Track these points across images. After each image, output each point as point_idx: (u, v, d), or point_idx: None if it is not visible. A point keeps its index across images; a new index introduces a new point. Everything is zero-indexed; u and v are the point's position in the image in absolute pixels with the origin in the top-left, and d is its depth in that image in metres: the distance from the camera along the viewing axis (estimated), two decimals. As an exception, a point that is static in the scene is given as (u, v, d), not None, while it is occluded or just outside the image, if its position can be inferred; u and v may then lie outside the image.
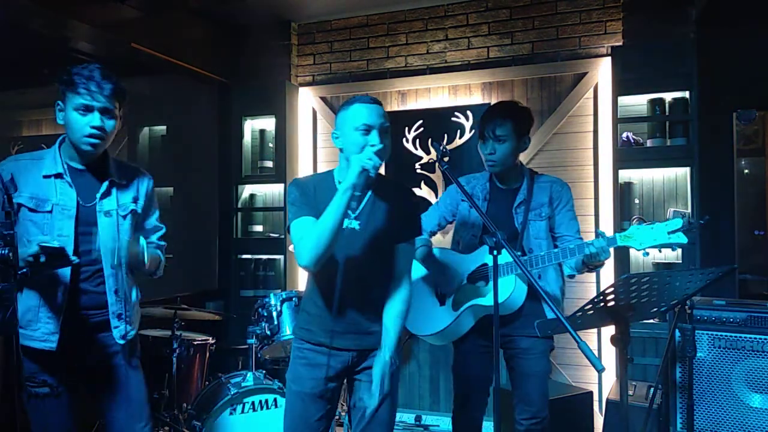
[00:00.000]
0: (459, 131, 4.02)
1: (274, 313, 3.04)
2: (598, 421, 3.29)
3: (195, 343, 3.39)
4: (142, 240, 2.06)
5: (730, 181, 3.30)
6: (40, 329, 1.91)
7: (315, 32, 4.49)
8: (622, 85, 3.56)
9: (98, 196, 2.00)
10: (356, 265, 1.94)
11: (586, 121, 3.83)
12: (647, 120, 3.62)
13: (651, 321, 3.30)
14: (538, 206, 2.39)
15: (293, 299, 3.07)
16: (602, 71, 3.75)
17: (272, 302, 3.07)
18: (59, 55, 3.70)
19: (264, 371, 3.15)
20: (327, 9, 4.27)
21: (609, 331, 1.83)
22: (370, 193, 1.99)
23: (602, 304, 1.72)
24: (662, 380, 2.66)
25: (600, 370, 1.58)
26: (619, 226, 3.54)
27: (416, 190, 4.06)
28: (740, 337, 2.54)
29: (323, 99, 4.45)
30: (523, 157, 2.50)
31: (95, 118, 1.92)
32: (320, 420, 2.00)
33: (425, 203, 3.84)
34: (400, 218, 2.03)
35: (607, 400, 2.99)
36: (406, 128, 4.13)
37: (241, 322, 3.71)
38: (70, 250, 1.88)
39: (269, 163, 4.40)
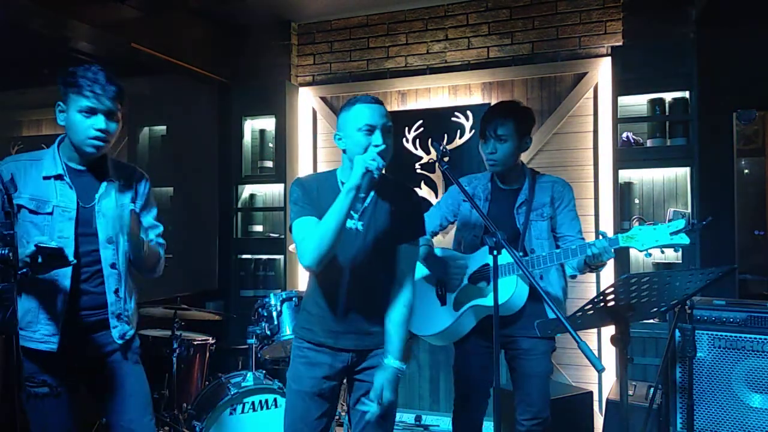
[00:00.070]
0: (459, 131, 4.02)
1: (274, 313, 3.04)
2: (598, 421, 3.29)
3: (195, 343, 3.39)
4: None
5: (730, 181, 3.30)
6: (39, 330, 1.91)
7: (315, 32, 4.49)
8: (622, 85, 3.56)
9: (97, 197, 2.00)
10: (359, 266, 1.94)
11: (586, 121, 3.83)
12: (647, 120, 3.62)
13: (651, 321, 3.30)
14: (539, 206, 2.39)
15: (293, 299, 3.07)
16: (602, 71, 3.75)
17: (272, 302, 3.07)
18: (59, 55, 3.70)
19: (264, 371, 3.15)
20: (327, 9, 4.27)
21: (609, 331, 1.83)
22: (373, 193, 1.99)
23: (602, 304, 1.72)
24: (662, 380, 2.66)
25: (600, 370, 1.58)
26: (619, 226, 3.54)
27: (416, 190, 4.05)
28: (740, 337, 2.54)
29: (323, 99, 4.45)
30: (523, 157, 2.50)
31: (100, 121, 1.92)
32: (320, 418, 2.00)
33: (426, 203, 3.84)
34: (402, 219, 2.02)
35: (607, 400, 2.99)
36: (406, 128, 4.13)
37: (241, 322, 3.70)
38: (70, 251, 1.89)
39: (269, 163, 4.40)
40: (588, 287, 3.73)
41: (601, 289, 1.89)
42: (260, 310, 3.10)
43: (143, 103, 4.56)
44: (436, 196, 4.07)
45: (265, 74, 4.48)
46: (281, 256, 4.35)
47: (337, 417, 3.23)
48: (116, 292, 2.01)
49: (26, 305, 1.90)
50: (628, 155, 3.57)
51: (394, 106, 4.23)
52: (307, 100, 4.48)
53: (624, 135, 3.60)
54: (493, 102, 3.88)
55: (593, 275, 3.70)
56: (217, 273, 4.56)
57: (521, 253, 2.34)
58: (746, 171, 4.45)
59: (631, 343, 1.85)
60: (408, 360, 4.04)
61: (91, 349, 2.01)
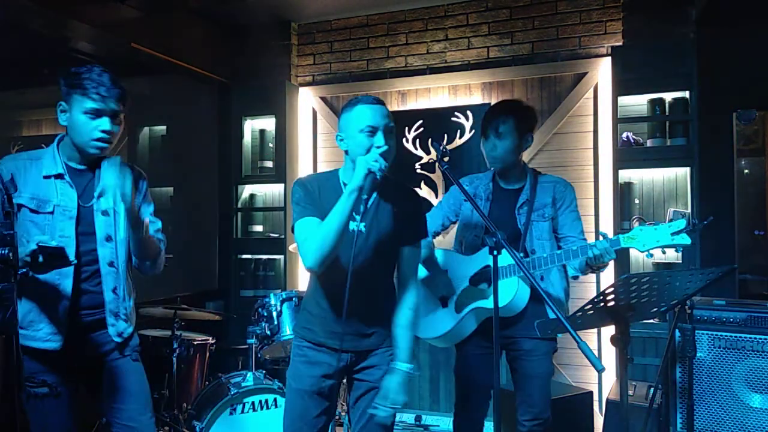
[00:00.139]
0: (459, 131, 4.02)
1: (274, 313, 3.04)
2: (598, 421, 3.29)
3: (195, 343, 3.39)
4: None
5: (730, 181, 3.30)
6: (42, 329, 1.91)
7: (315, 32, 4.49)
8: (622, 85, 3.56)
9: (96, 194, 2.00)
10: (361, 267, 1.93)
11: (586, 121, 3.83)
12: (647, 120, 3.62)
13: (651, 321, 3.30)
14: (541, 207, 2.38)
15: (293, 299, 3.07)
16: (602, 71, 3.75)
17: (272, 302, 3.07)
18: (59, 55, 3.70)
19: (264, 371, 3.15)
20: (327, 9, 4.27)
21: (609, 331, 1.83)
22: (375, 194, 1.98)
23: (602, 304, 1.72)
24: (662, 380, 2.66)
25: (600, 370, 1.58)
26: (619, 226, 3.54)
27: (416, 190, 4.05)
28: (740, 337, 2.54)
29: (323, 99, 4.45)
30: (523, 157, 2.50)
31: (105, 123, 1.93)
32: (319, 417, 2.01)
33: (426, 204, 3.84)
34: (405, 221, 2.03)
35: (607, 400, 2.99)
36: (406, 128, 4.13)
37: (241, 322, 3.70)
38: (71, 251, 1.89)
39: (269, 163, 4.40)
40: (588, 287, 3.73)
41: (601, 289, 1.89)
42: (260, 310, 3.10)
43: (143, 103, 4.56)
44: (437, 196, 4.07)
45: (265, 74, 4.48)
46: (281, 256, 4.35)
47: (336, 417, 3.23)
48: (114, 290, 2.01)
49: (28, 305, 1.90)
50: (628, 155, 3.57)
51: (394, 106, 4.23)
52: (307, 100, 4.48)
53: (624, 135, 3.60)
54: (493, 102, 3.88)
55: (593, 275, 3.70)
56: (217, 273, 4.56)
57: (522, 254, 2.33)
58: (746, 171, 4.45)
59: (631, 343, 1.85)
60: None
61: (91, 348, 2.01)
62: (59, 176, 1.97)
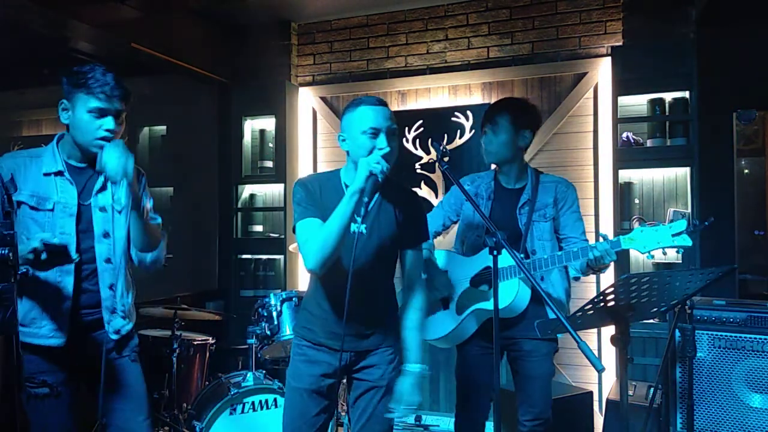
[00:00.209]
0: (459, 131, 4.02)
1: (274, 313, 3.04)
2: (598, 421, 3.29)
3: (195, 343, 3.39)
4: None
5: (730, 181, 3.30)
6: (45, 326, 1.91)
7: (315, 32, 4.49)
8: (622, 85, 3.56)
9: (94, 191, 2.00)
10: (362, 269, 1.93)
11: (586, 121, 3.83)
12: (647, 120, 3.62)
13: (651, 321, 3.30)
14: (542, 207, 2.38)
15: (293, 299, 3.07)
16: (602, 71, 3.75)
17: (272, 302, 3.07)
18: (59, 55, 3.70)
19: (264, 371, 3.15)
20: (327, 9, 4.27)
21: (609, 331, 1.82)
22: (377, 196, 1.97)
23: (602, 304, 1.72)
24: (662, 380, 2.66)
25: (600, 370, 1.58)
26: (619, 226, 3.54)
27: (416, 190, 4.06)
28: (740, 337, 2.54)
29: (323, 99, 4.45)
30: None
31: (109, 122, 1.93)
32: (318, 415, 2.01)
33: (426, 204, 3.84)
34: (407, 223, 2.03)
35: (607, 400, 2.99)
36: (406, 128, 4.13)
37: (241, 322, 3.70)
38: (72, 248, 1.88)
39: (269, 163, 4.40)
40: (588, 287, 3.73)
41: (601, 289, 1.89)
42: (260, 310, 3.10)
43: (143, 103, 4.55)
44: (436, 196, 4.07)
45: (265, 74, 4.48)
46: (281, 256, 4.35)
47: (336, 417, 3.23)
48: (111, 287, 2.00)
49: (30, 302, 1.90)
50: (628, 155, 3.57)
51: (394, 106, 4.23)
52: (307, 100, 4.48)
53: (624, 135, 3.60)
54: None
55: (594, 275, 3.70)
56: (217, 273, 4.56)
57: (522, 255, 2.33)
58: (746, 171, 4.45)
59: (631, 343, 1.85)
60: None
61: (92, 348, 2.00)
62: (59, 173, 1.97)
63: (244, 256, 4.47)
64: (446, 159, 2.05)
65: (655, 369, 3.23)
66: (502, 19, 4.03)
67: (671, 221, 2.10)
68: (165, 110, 4.66)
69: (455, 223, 2.61)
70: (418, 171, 4.14)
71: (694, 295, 1.99)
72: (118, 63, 3.59)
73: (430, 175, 4.12)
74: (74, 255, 1.82)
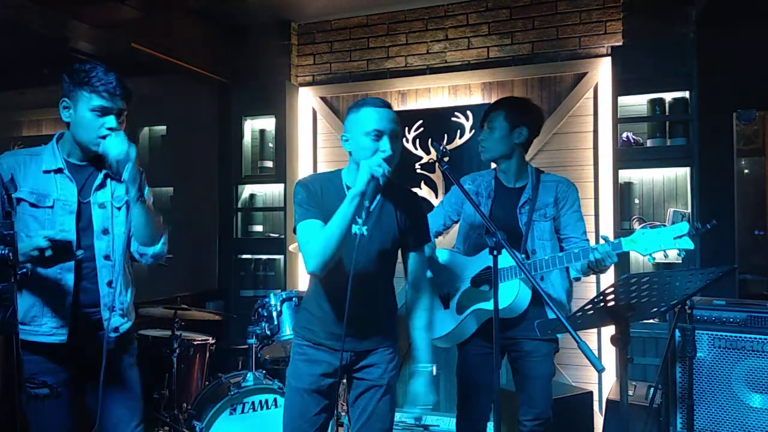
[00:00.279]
0: (459, 131, 4.02)
1: (274, 313, 3.04)
2: (598, 421, 3.29)
3: (195, 343, 3.39)
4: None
5: (730, 181, 3.30)
6: (46, 324, 1.91)
7: (315, 32, 4.49)
8: (622, 85, 3.56)
9: (93, 188, 2.01)
10: (363, 270, 1.94)
11: (586, 121, 3.83)
12: (647, 120, 3.62)
13: (651, 321, 3.30)
14: (542, 206, 2.38)
15: (293, 299, 3.07)
16: (602, 71, 3.75)
17: (272, 302, 3.07)
18: (59, 55, 3.70)
19: (264, 371, 3.15)
20: (327, 9, 4.27)
21: (609, 331, 1.83)
22: (378, 197, 1.98)
23: (602, 304, 1.72)
24: (662, 380, 2.66)
25: (600, 370, 1.58)
26: (619, 226, 3.54)
27: (416, 190, 4.06)
28: (740, 337, 2.54)
29: (323, 99, 4.45)
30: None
31: (111, 121, 1.94)
32: (318, 414, 2.02)
33: (426, 204, 3.84)
34: (410, 226, 2.04)
35: (607, 400, 2.99)
36: (406, 128, 4.13)
37: (241, 322, 3.70)
38: (73, 245, 1.89)
39: (269, 163, 4.40)
40: (588, 287, 3.73)
41: (601, 289, 1.89)
42: (260, 310, 3.10)
43: (143, 103, 4.55)
44: (436, 196, 4.07)
45: (265, 74, 4.47)
46: (281, 256, 4.35)
47: (336, 417, 3.23)
48: (109, 284, 2.00)
49: (30, 300, 1.90)
50: (628, 155, 3.57)
51: (394, 106, 4.17)
52: (307, 100, 4.48)
53: (624, 135, 3.60)
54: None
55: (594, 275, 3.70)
56: (217, 273, 4.56)
57: (522, 255, 2.33)
58: (746, 171, 4.45)
59: (631, 343, 1.85)
60: (408, 360, 4.04)
61: (91, 348, 2.00)
62: (59, 171, 1.97)
63: (244, 256, 4.47)
64: (446, 159, 2.05)
65: (655, 369, 3.23)
66: (502, 19, 4.03)
67: (671, 221, 2.09)
68: (165, 110, 4.67)
69: (456, 222, 2.61)
70: (418, 171, 4.14)
71: (694, 295, 1.98)
72: (118, 63, 3.58)
73: (430, 175, 4.12)
74: (78, 251, 1.82)
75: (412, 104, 4.22)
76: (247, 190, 4.54)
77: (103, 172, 2.04)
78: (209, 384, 3.16)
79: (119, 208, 2.05)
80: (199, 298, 4.13)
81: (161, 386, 3.20)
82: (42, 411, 1.89)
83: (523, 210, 2.38)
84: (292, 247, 4.00)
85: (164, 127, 4.74)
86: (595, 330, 3.70)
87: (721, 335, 2.57)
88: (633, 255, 3.53)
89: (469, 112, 4.00)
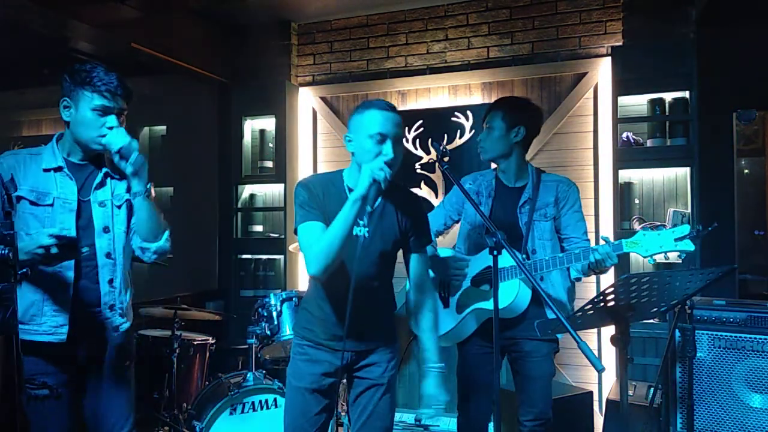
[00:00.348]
0: (459, 131, 4.02)
1: (274, 313, 3.04)
2: (598, 421, 3.29)
3: (195, 343, 3.39)
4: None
5: (730, 181, 3.30)
6: (45, 323, 1.91)
7: (315, 32, 4.49)
8: (622, 85, 3.56)
9: (93, 186, 2.01)
10: (364, 272, 1.94)
11: (586, 121, 3.83)
12: (647, 120, 3.62)
13: (651, 321, 3.30)
14: (543, 206, 2.37)
15: (293, 299, 3.07)
16: (602, 71, 3.75)
17: (272, 302, 3.07)
18: (59, 55, 3.70)
19: (264, 371, 3.15)
20: (327, 9, 4.27)
21: (609, 331, 1.83)
22: (379, 199, 1.98)
23: (602, 304, 1.72)
24: (662, 380, 2.66)
25: (600, 370, 1.58)
26: (619, 226, 3.54)
27: (416, 190, 4.06)
28: (740, 337, 2.54)
29: (323, 99, 4.45)
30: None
31: (112, 120, 1.95)
32: (319, 414, 2.02)
33: (427, 204, 3.84)
34: (411, 227, 2.05)
35: (607, 400, 2.99)
36: (406, 128, 4.13)
37: (241, 322, 3.70)
38: None
39: (269, 163, 4.40)
40: (589, 287, 3.73)
41: (601, 289, 1.89)
42: (260, 310, 3.11)
43: (143, 103, 4.55)
44: (436, 196, 4.07)
45: (265, 74, 4.47)
46: (281, 256, 4.35)
47: (336, 417, 3.23)
48: (110, 282, 2.00)
49: (30, 298, 1.90)
50: (628, 155, 3.57)
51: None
52: (307, 100, 4.48)
53: (624, 135, 3.60)
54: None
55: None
56: (217, 273, 4.56)
57: (523, 255, 2.33)
58: (746, 171, 4.45)
59: (631, 343, 1.85)
60: (408, 360, 4.04)
61: (90, 348, 2.00)
62: (59, 169, 1.98)
63: (244, 256, 4.47)
64: (446, 159, 2.06)
65: (655, 369, 3.23)
66: (502, 19, 4.03)
67: (671, 221, 2.09)
68: (165, 110, 4.66)
69: (457, 222, 2.61)
70: (418, 171, 4.14)
71: (694, 295, 1.99)
72: (118, 63, 3.60)
73: (430, 175, 4.12)
74: (83, 248, 1.82)
75: (412, 104, 4.22)
76: (247, 190, 4.54)
77: (104, 171, 2.04)
78: (209, 384, 3.16)
79: (119, 207, 2.06)
80: (199, 298, 4.13)
81: (161, 386, 3.20)
82: (42, 412, 1.88)
83: (523, 210, 2.38)
84: (292, 247, 3.99)
85: (164, 127, 4.74)
86: (595, 330, 3.70)
87: (721, 335, 2.57)
88: (633, 255, 3.53)
89: (469, 112, 4.00)
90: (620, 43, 3.72)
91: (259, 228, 4.49)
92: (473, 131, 3.97)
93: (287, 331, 3.00)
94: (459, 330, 2.42)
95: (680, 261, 3.44)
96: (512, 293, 2.27)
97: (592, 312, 1.74)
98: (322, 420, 2.03)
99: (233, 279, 4.47)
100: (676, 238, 2.05)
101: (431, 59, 4.19)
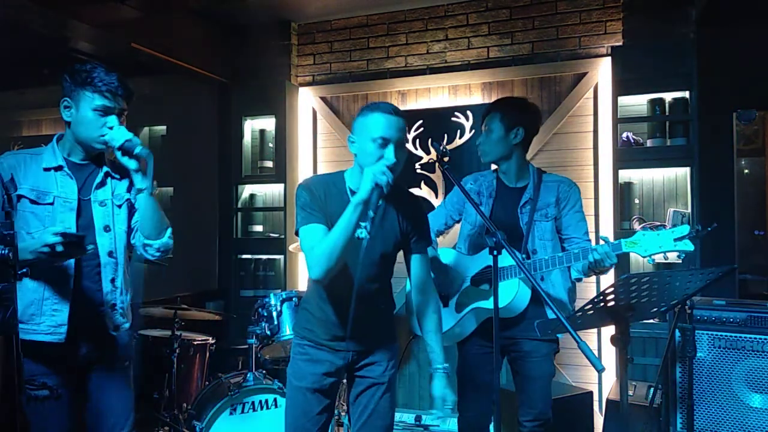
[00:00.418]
0: (459, 131, 4.02)
1: (274, 313, 3.04)
2: (598, 421, 3.29)
3: (195, 343, 3.39)
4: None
5: (730, 181, 3.30)
6: (44, 322, 1.91)
7: (315, 32, 4.49)
8: (622, 85, 3.56)
9: (94, 186, 2.01)
10: (365, 273, 1.94)
11: (586, 121, 3.83)
12: (647, 120, 3.62)
13: (651, 321, 3.30)
14: (544, 206, 2.37)
15: (293, 299, 3.07)
16: (602, 71, 3.75)
17: (272, 302, 3.07)
18: (59, 55, 3.70)
19: (264, 371, 3.15)
20: (327, 9, 4.27)
21: (609, 331, 1.83)
22: (380, 201, 1.97)
23: (602, 304, 1.72)
24: (662, 380, 2.66)
25: (600, 370, 1.58)
26: (619, 226, 3.54)
27: (416, 191, 4.06)
28: (740, 337, 2.54)
29: (323, 99, 4.45)
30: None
31: (113, 120, 1.96)
32: (321, 413, 2.03)
33: (427, 204, 3.84)
34: (412, 229, 2.05)
35: (607, 400, 2.99)
36: (406, 128, 4.13)
37: (241, 322, 3.70)
38: None
39: (269, 163, 4.40)
40: (588, 287, 3.73)
41: (601, 289, 1.89)
42: (260, 310, 3.11)
43: (143, 103, 4.54)
44: (436, 196, 4.07)
45: (265, 74, 4.47)
46: (281, 256, 4.35)
47: (336, 417, 3.24)
48: (113, 281, 2.01)
49: (29, 297, 1.90)
50: (628, 155, 3.57)
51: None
52: (307, 100, 4.48)
53: (624, 135, 3.60)
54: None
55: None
56: (217, 273, 4.56)
57: (523, 255, 2.33)
58: (746, 171, 4.45)
59: (631, 343, 1.85)
60: (408, 360, 4.05)
61: (90, 348, 2.00)
62: (59, 168, 1.98)
63: (244, 256, 4.47)
64: (446, 159, 2.06)
65: (655, 369, 3.23)
66: (502, 19, 4.03)
67: (671, 221, 2.09)
68: (165, 110, 4.66)
69: (457, 222, 2.62)
70: (418, 171, 4.14)
71: (694, 295, 1.99)
72: (118, 63, 3.60)
73: (430, 175, 4.12)
74: (89, 246, 1.82)
75: (412, 104, 4.22)
76: (247, 190, 4.54)
77: (104, 170, 2.05)
78: (209, 384, 3.16)
79: (120, 207, 2.06)
80: (199, 298, 4.13)
81: (161, 386, 3.20)
82: (42, 412, 1.88)
83: (524, 210, 2.38)
84: (292, 247, 3.99)
85: (164, 127, 4.74)
86: (595, 330, 3.70)
87: (721, 335, 2.57)
88: (633, 255, 3.53)
89: (469, 112, 4.00)
90: (620, 43, 3.72)
91: (259, 228, 4.49)
92: (473, 131, 3.97)
93: (287, 331, 3.00)
94: (458, 329, 2.42)
95: (680, 261, 3.44)
96: (511, 293, 2.27)
97: (592, 312, 1.74)
98: (323, 420, 2.03)
99: (233, 279, 4.47)
100: (676, 238, 2.04)
101: (431, 59, 4.19)
